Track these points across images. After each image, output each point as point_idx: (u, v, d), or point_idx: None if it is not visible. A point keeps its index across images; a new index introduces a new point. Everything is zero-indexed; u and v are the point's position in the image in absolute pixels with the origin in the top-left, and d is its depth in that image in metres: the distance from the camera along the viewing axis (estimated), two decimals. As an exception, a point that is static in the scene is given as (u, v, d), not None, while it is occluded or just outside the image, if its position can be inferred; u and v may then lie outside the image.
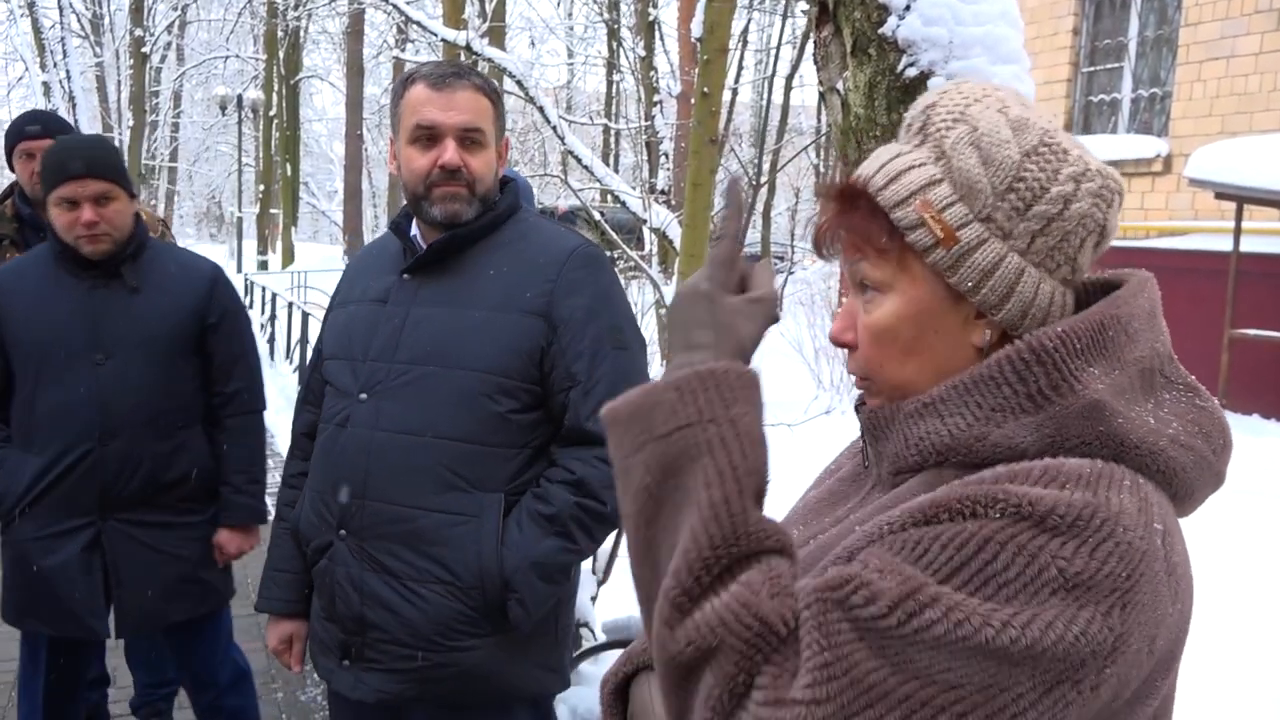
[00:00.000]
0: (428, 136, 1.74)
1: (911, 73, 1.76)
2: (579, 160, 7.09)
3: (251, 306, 15.83)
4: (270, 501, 2.44)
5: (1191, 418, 0.90)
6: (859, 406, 1.00)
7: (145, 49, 23.42)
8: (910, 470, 0.92)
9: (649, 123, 15.43)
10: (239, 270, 22.99)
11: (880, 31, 1.78)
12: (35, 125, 2.88)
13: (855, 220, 0.92)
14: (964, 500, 0.80)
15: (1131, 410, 0.86)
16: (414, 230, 1.86)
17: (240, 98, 26.66)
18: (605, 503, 1.70)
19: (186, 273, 2.52)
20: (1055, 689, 0.76)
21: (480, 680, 1.76)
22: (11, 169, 2.93)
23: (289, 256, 26.12)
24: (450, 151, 1.73)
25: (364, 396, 1.77)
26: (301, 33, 27.99)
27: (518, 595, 1.69)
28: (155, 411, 2.41)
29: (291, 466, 2.01)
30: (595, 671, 3.08)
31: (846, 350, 0.98)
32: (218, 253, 31.52)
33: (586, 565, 2.89)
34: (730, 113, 7.95)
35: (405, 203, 1.88)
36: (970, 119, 0.89)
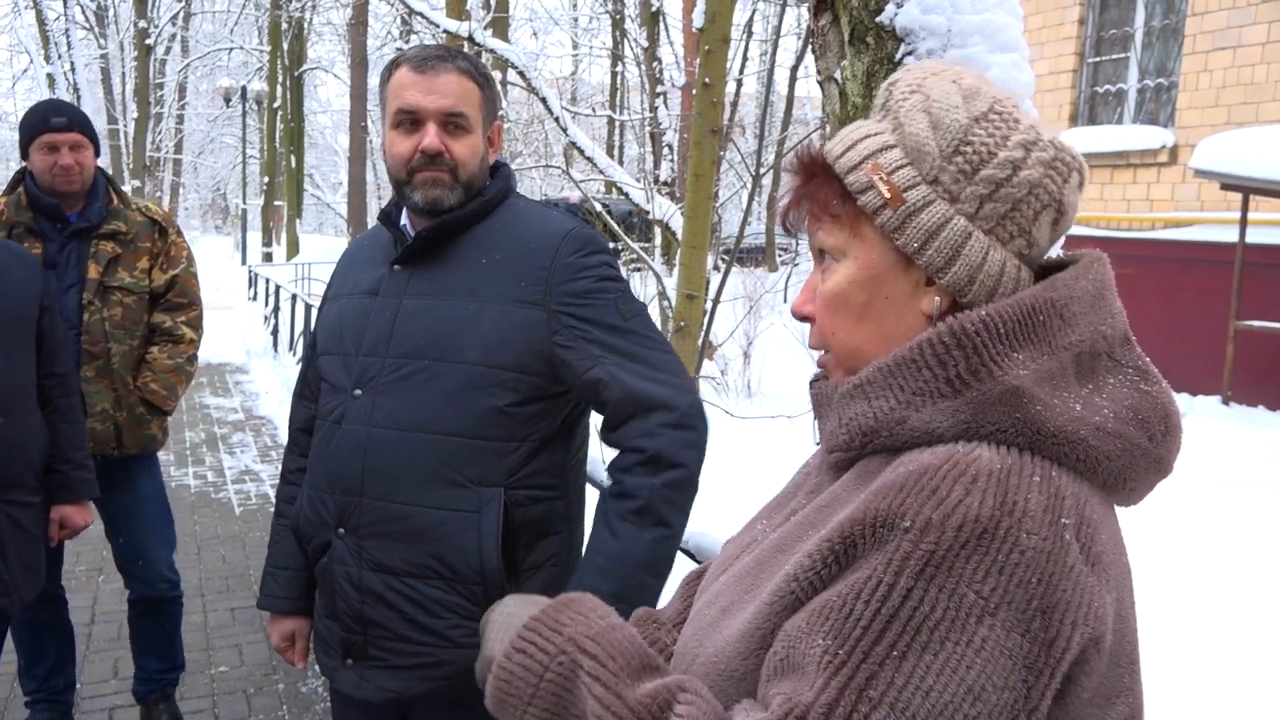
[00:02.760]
0: (410, 121, 1.70)
1: (909, 61, 1.74)
2: (582, 152, 7.05)
3: (256, 299, 15.85)
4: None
5: (1129, 403, 0.88)
6: (812, 384, 1.01)
7: (149, 41, 23.44)
8: (841, 449, 0.93)
9: (652, 114, 15.38)
10: (244, 262, 23.01)
11: (878, 20, 1.76)
12: (61, 117, 2.88)
13: (814, 188, 0.94)
14: (874, 522, 0.80)
15: (1055, 397, 0.85)
16: (404, 220, 1.82)
17: (244, 90, 26.65)
18: (685, 464, 1.66)
19: (18, 258, 2.53)
20: None
21: None
22: (25, 157, 2.91)
23: (293, 248, 26.13)
24: (431, 136, 1.69)
25: (358, 393, 1.73)
26: (305, 24, 27.94)
27: (631, 606, 1.67)
28: (21, 392, 2.44)
29: (290, 462, 1.97)
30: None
31: (808, 325, 0.99)
32: (223, 245, 31.59)
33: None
34: (735, 104, 7.93)
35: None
36: (925, 89, 0.91)
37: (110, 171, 2.99)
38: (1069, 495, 0.82)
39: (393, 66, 1.75)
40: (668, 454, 1.65)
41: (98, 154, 2.98)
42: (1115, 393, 0.89)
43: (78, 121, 2.89)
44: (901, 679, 0.75)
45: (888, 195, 0.89)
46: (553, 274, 1.70)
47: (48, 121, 2.85)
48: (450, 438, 1.68)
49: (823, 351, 0.99)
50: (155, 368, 3.03)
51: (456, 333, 1.69)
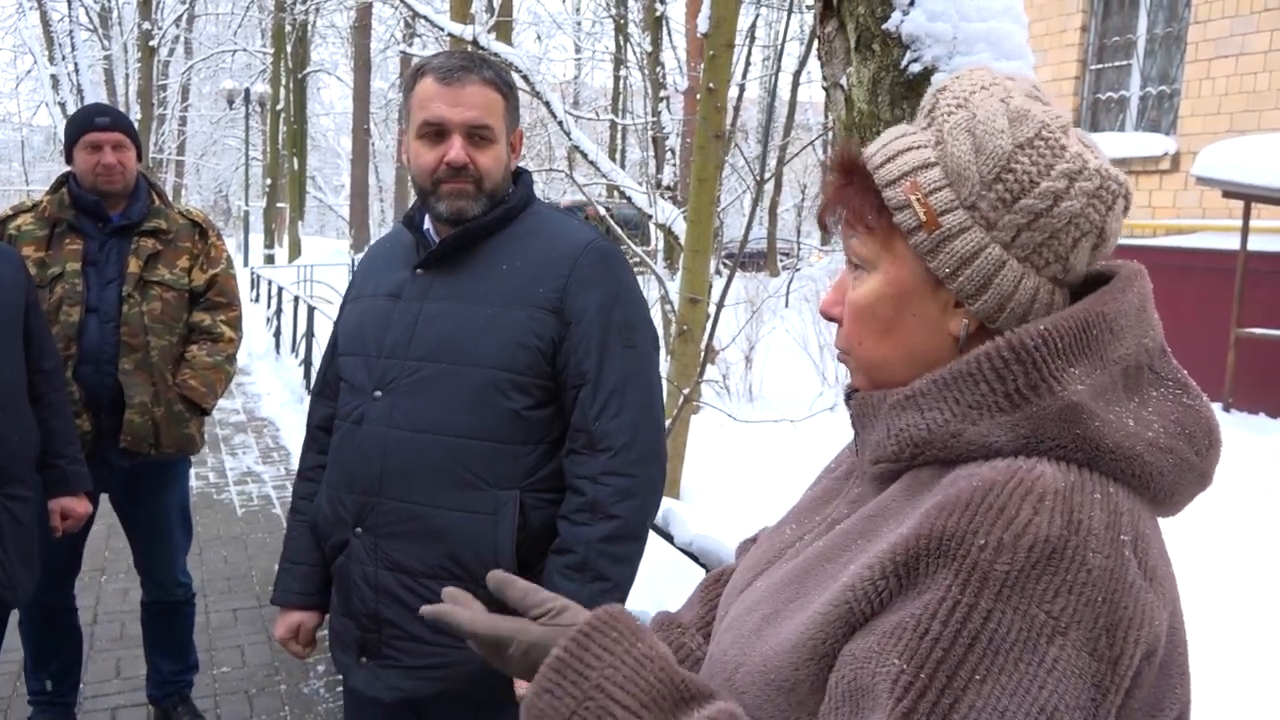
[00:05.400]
0: (435, 132, 1.72)
1: (915, 68, 1.75)
2: (585, 155, 7.06)
3: (258, 300, 15.86)
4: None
5: (1176, 417, 0.88)
6: (849, 396, 1.00)
7: (153, 43, 23.43)
8: (889, 459, 0.92)
9: (655, 118, 15.40)
10: (246, 264, 23.01)
11: (884, 27, 1.77)
12: (104, 118, 2.92)
13: (850, 195, 0.93)
14: (941, 537, 0.79)
15: (1110, 412, 0.84)
16: (427, 224, 1.84)
17: (248, 92, 26.66)
18: (620, 516, 1.69)
19: (4, 257, 2.56)
20: None
21: (497, 678, 1.75)
22: (69, 159, 2.94)
23: (295, 250, 26.15)
24: (456, 149, 1.71)
25: (379, 394, 1.76)
26: (309, 27, 27.99)
27: None
28: (14, 389, 2.46)
29: (307, 460, 1.99)
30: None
31: (836, 325, 0.99)
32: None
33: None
34: (737, 109, 7.94)
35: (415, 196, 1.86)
36: (971, 105, 0.89)
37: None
38: (1125, 511, 0.81)
39: (417, 75, 1.76)
40: (604, 504, 1.69)
41: (140, 157, 3.02)
42: (1160, 406, 0.88)
43: (120, 123, 2.94)
44: (981, 701, 0.75)
45: (923, 217, 0.87)
46: (571, 282, 1.73)
47: (92, 121, 2.90)
48: (468, 440, 1.70)
49: (845, 354, 0.98)
50: (195, 365, 3.04)
51: (476, 337, 1.71)
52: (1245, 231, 7.29)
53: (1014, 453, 0.83)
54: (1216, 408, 7.25)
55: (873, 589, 0.82)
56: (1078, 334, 0.85)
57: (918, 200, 0.88)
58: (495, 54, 6.85)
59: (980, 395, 0.85)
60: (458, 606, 0.95)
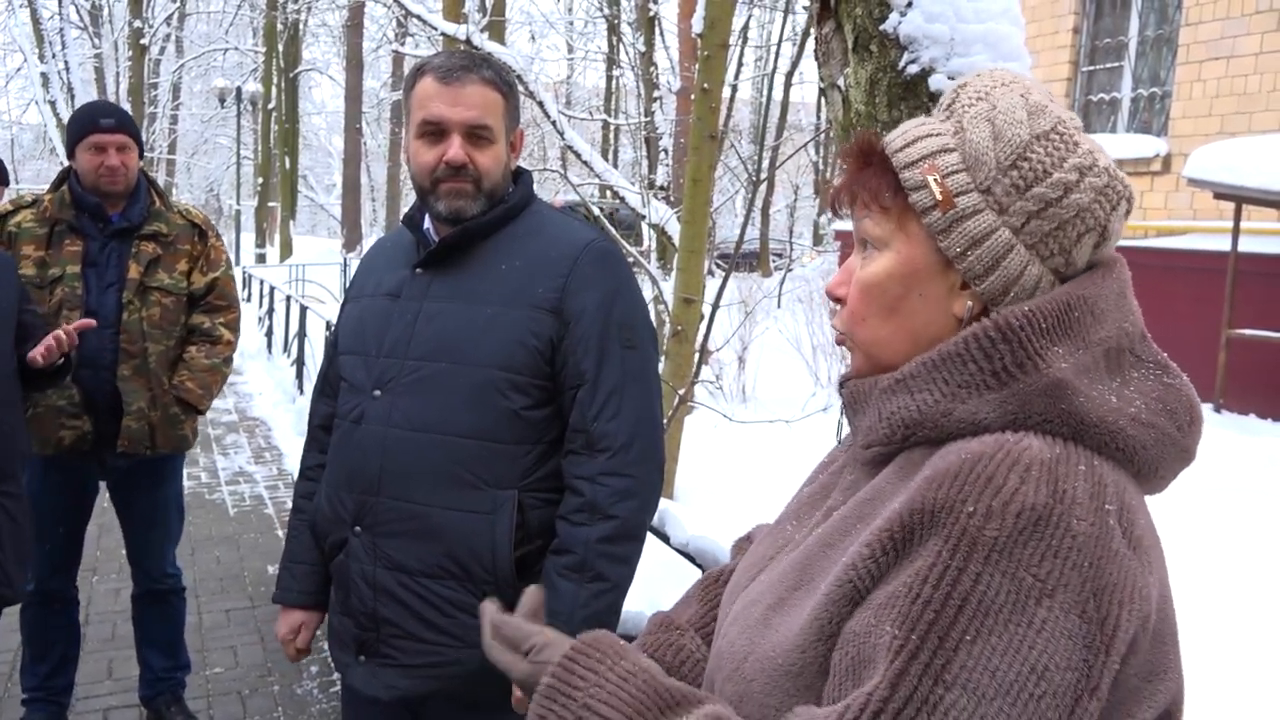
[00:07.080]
0: (434, 131, 1.72)
1: (913, 69, 1.75)
2: (578, 155, 7.05)
3: (249, 300, 15.80)
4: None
5: (1157, 395, 0.92)
6: (842, 385, 1.03)
7: (144, 41, 23.35)
8: (881, 442, 0.95)
9: (648, 118, 15.40)
10: (237, 263, 22.95)
11: (882, 28, 1.77)
12: (109, 119, 2.89)
13: (867, 177, 0.96)
14: (933, 508, 0.83)
15: (1094, 389, 0.88)
16: (427, 223, 1.84)
17: (239, 90, 26.58)
18: (619, 516, 1.69)
19: None
20: (1077, 705, 0.78)
21: (494, 678, 1.75)
22: (71, 156, 2.91)
23: (287, 250, 26.08)
24: (455, 148, 1.71)
25: (378, 393, 1.76)
26: (301, 26, 27.92)
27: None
28: (9, 387, 2.47)
29: (308, 459, 2.00)
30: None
31: (837, 306, 1.02)
32: (216, 245, 31.48)
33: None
34: (730, 109, 7.94)
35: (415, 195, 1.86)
36: (992, 98, 0.94)
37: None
38: (1110, 483, 0.85)
39: (417, 74, 1.76)
40: (603, 505, 1.69)
41: (142, 155, 3.00)
42: (1142, 385, 0.92)
43: (125, 123, 2.91)
44: (973, 661, 0.78)
45: (939, 197, 0.91)
46: (570, 282, 1.73)
47: (96, 122, 2.87)
48: (466, 439, 1.70)
49: (844, 334, 1.01)
50: (192, 366, 3.03)
51: (474, 336, 1.72)
52: (1236, 233, 7.32)
53: (1002, 428, 0.87)
54: (1208, 409, 7.31)
55: (873, 564, 0.85)
56: (1060, 315, 0.89)
57: (935, 181, 0.92)
58: (488, 54, 6.84)
59: (969, 374, 0.89)
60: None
